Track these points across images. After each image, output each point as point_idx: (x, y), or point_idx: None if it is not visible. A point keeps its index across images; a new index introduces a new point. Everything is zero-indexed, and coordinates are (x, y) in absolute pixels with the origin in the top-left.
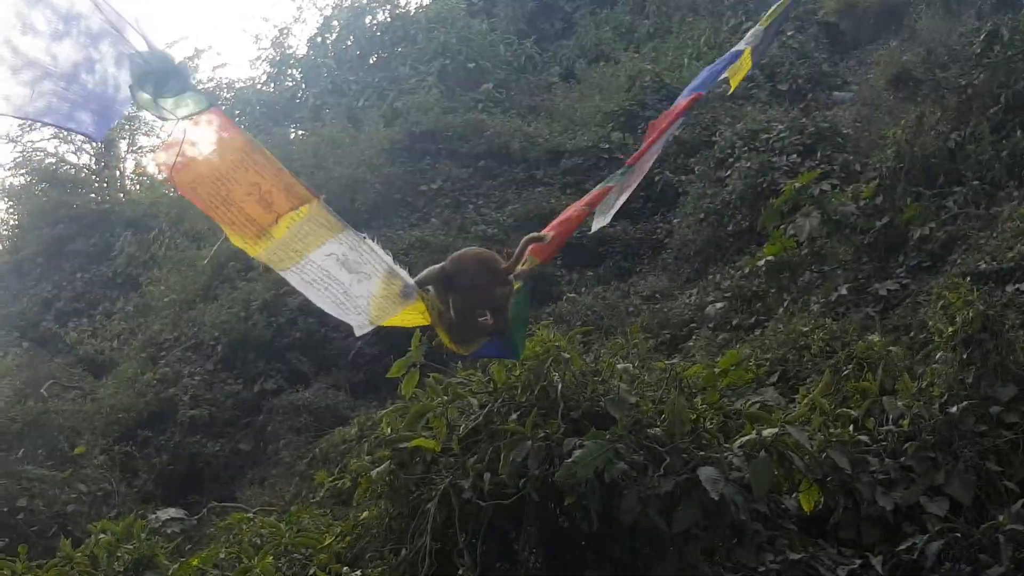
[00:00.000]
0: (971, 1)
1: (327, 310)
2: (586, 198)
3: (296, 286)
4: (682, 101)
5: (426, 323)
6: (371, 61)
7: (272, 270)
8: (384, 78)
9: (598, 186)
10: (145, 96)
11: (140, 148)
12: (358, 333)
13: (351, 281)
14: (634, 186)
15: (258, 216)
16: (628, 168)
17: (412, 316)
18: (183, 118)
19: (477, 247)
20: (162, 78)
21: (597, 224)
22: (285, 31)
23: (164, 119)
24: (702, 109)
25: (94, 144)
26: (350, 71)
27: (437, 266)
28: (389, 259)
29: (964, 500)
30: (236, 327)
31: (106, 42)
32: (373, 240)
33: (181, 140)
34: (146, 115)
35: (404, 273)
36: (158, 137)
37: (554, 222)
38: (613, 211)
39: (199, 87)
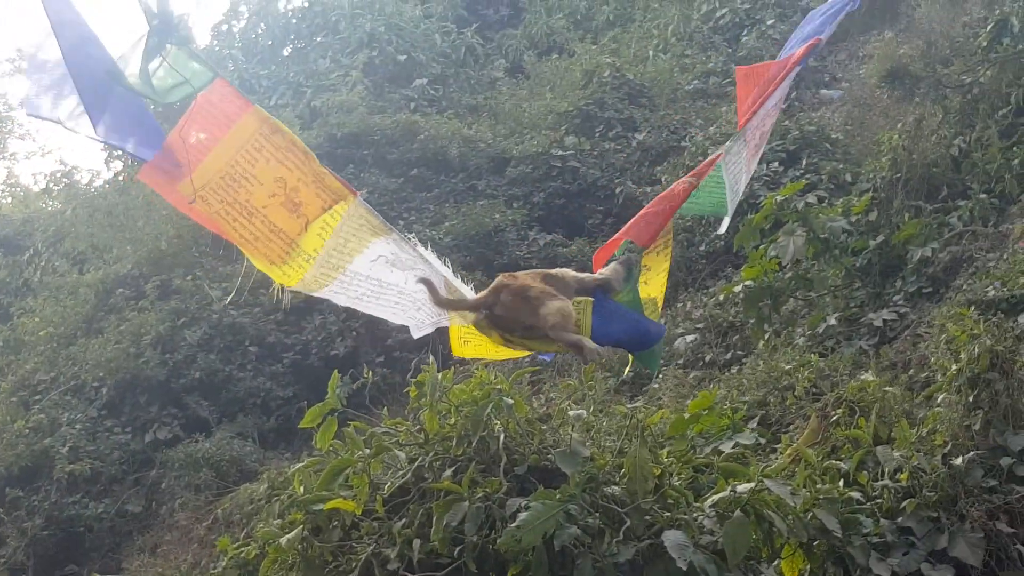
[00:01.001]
0: None
1: (382, 316)
2: (693, 171)
3: (341, 303)
4: (798, 49)
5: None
6: (285, 53)
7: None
8: (300, 72)
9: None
10: (133, 69)
11: (12, 154)
12: (417, 335)
13: (405, 279)
14: (755, 161)
15: (285, 224)
16: (738, 134)
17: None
18: (187, 96)
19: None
20: (163, 29)
21: (725, 224)
22: (184, 17)
23: (161, 99)
24: (669, 109)
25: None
26: (261, 64)
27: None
28: (447, 270)
29: (973, 564)
30: (124, 366)
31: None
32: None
33: (178, 129)
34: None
35: (462, 286)
36: (34, 141)
37: (654, 201)
38: (735, 201)
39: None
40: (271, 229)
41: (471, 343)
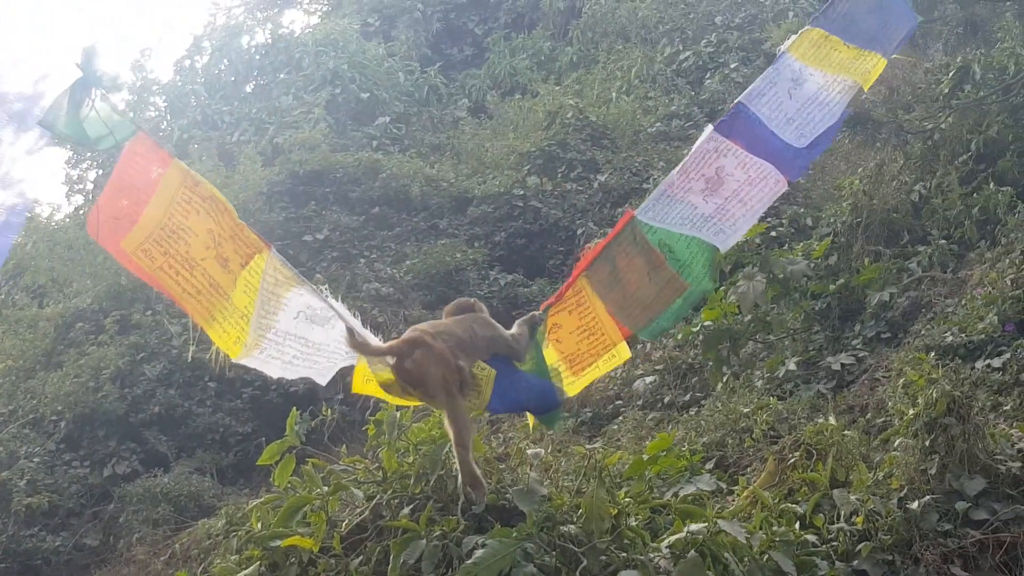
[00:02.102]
0: (937, 33)
1: (299, 376)
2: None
3: (275, 373)
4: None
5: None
6: (248, 89)
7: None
8: (263, 109)
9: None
10: (62, 117)
11: None
12: (323, 381)
13: (325, 334)
14: (711, 199)
15: (220, 279)
16: (655, 192)
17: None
18: (111, 147)
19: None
20: (86, 86)
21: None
22: (147, 52)
23: (90, 146)
24: (632, 151)
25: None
26: (223, 100)
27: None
28: (356, 321)
29: None
30: (83, 399)
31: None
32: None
33: (107, 185)
34: None
35: (370, 336)
36: None
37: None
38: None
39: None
40: (210, 283)
41: (373, 382)
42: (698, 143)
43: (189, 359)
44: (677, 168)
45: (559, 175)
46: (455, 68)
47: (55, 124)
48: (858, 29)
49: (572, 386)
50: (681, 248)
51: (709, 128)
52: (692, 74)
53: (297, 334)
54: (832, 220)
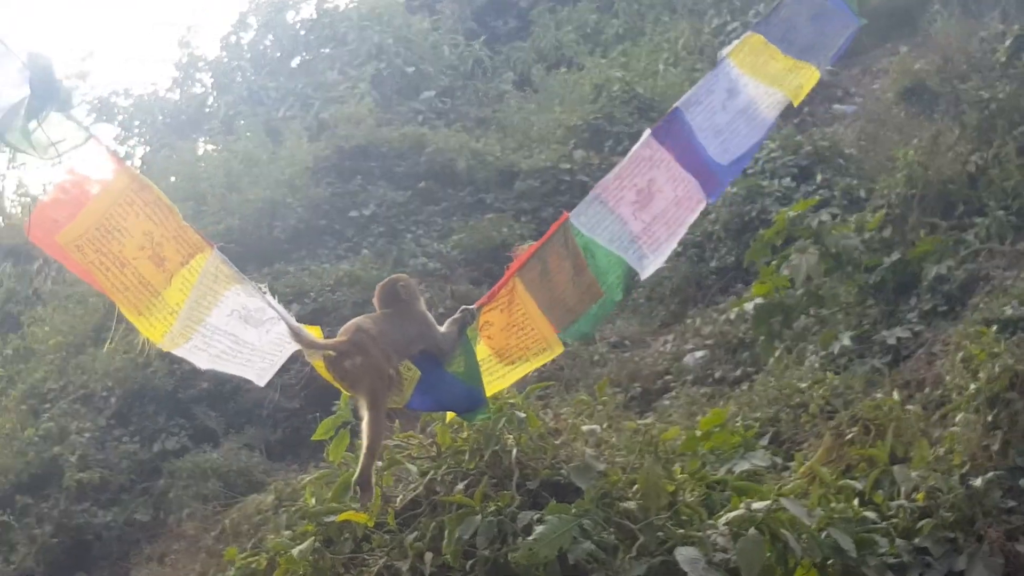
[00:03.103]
0: (994, 1)
1: (238, 373)
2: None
3: (203, 364)
4: None
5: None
6: (293, 64)
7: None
8: (308, 84)
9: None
10: (16, 125)
11: (22, 164)
12: (261, 382)
13: (258, 336)
14: (644, 212)
15: (152, 277)
16: (588, 197)
17: None
18: (62, 154)
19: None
20: (44, 93)
21: (644, 271)
22: (193, 28)
23: (36, 155)
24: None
25: None
26: (269, 76)
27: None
28: (292, 319)
29: None
30: (133, 375)
31: None
32: (269, 291)
33: (56, 185)
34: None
35: (306, 333)
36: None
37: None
38: (638, 253)
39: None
40: (140, 280)
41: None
42: (636, 147)
43: (105, 350)
44: (613, 171)
45: (606, 148)
46: (500, 41)
47: (8, 136)
48: (796, 36)
49: (503, 379)
50: (601, 256)
51: (647, 133)
52: None
53: (228, 331)
54: (886, 192)
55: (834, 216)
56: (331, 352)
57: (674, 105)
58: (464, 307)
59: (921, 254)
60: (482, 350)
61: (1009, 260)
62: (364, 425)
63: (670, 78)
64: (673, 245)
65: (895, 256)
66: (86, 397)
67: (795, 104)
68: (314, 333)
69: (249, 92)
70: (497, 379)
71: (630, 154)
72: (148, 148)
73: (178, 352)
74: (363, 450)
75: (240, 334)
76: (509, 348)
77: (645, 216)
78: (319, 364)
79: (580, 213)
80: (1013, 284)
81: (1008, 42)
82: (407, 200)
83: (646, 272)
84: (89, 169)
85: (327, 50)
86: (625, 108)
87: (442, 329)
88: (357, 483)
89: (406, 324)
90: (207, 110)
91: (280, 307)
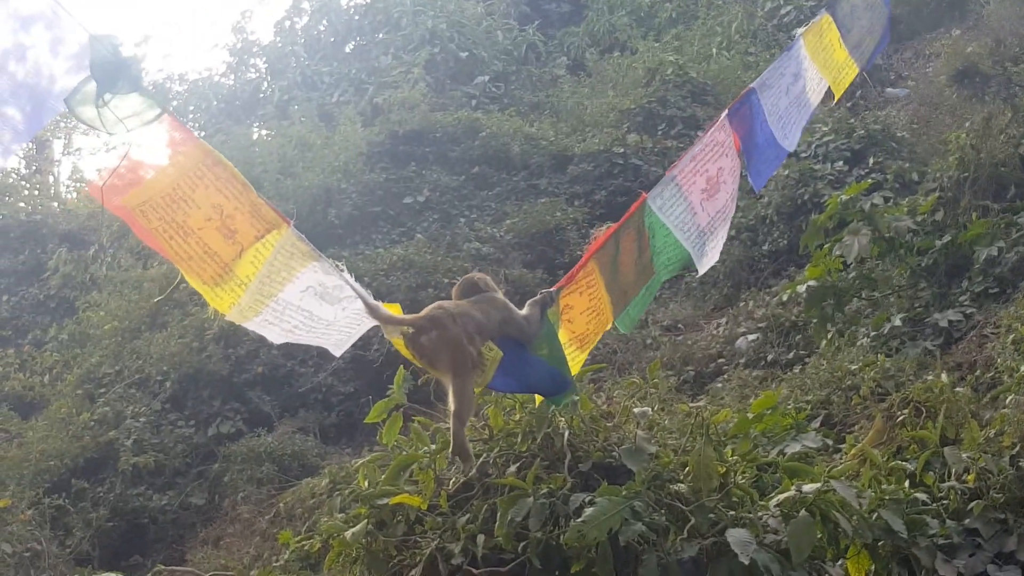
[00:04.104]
0: None
1: (305, 343)
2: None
3: (275, 338)
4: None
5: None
6: (347, 49)
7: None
8: (362, 69)
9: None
10: (85, 102)
11: (78, 150)
12: (337, 352)
13: (334, 313)
14: (712, 203)
15: (220, 248)
16: (666, 179)
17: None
18: (132, 129)
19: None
20: (111, 71)
21: (701, 267)
22: (247, 14)
23: (106, 131)
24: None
25: (23, 144)
26: (323, 61)
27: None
28: (369, 296)
29: None
30: (188, 360)
31: (40, 25)
32: (346, 270)
33: (124, 154)
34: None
35: (383, 309)
36: (98, 137)
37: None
38: (699, 245)
39: (147, 83)
40: (205, 251)
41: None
42: (712, 129)
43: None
44: (689, 153)
45: (659, 132)
46: (553, 26)
47: (78, 110)
48: (854, 24)
49: (577, 364)
50: (660, 236)
51: (724, 114)
52: (793, 28)
53: (302, 306)
54: (938, 175)
55: (886, 199)
56: (408, 328)
57: (749, 86)
58: (544, 290)
59: (973, 237)
60: (563, 335)
61: None
62: (450, 395)
63: (723, 62)
64: (724, 238)
65: (947, 239)
66: (141, 381)
67: (836, 98)
68: (392, 310)
69: (303, 77)
70: (575, 364)
71: (706, 136)
72: (202, 133)
73: (248, 326)
74: (451, 419)
75: (315, 310)
76: (587, 334)
77: (710, 208)
78: (398, 342)
79: (657, 195)
80: None
81: None
82: (460, 185)
83: (703, 268)
84: (160, 142)
85: (381, 35)
86: (678, 92)
87: (523, 312)
88: (453, 453)
89: (487, 309)
90: (261, 95)
91: (357, 284)
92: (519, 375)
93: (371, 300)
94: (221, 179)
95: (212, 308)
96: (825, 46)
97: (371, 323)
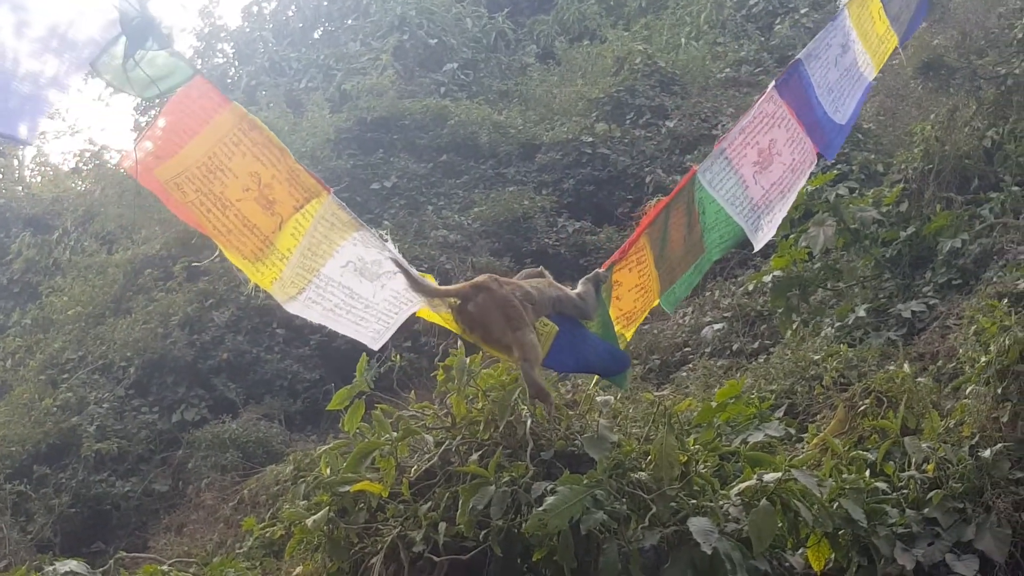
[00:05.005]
0: None
1: (349, 333)
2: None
3: (315, 318)
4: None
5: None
6: (316, 35)
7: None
8: (331, 55)
9: None
10: (112, 64)
11: (42, 134)
12: (375, 346)
13: (373, 291)
14: (765, 175)
15: (259, 221)
16: (714, 152)
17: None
18: (165, 91)
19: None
20: (141, 29)
21: (758, 242)
22: (161, 19)
23: (136, 93)
24: (701, 98)
25: None
26: (291, 47)
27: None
28: (413, 269)
29: (997, 558)
30: (152, 346)
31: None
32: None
33: (153, 123)
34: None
35: (426, 281)
36: (63, 120)
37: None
38: (753, 218)
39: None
40: (244, 224)
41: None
42: (760, 101)
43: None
44: (737, 126)
45: (627, 121)
46: (523, 14)
47: (106, 72)
48: None
49: (622, 342)
50: (711, 212)
51: (771, 86)
52: (762, 19)
53: (342, 283)
54: (903, 167)
55: (852, 190)
56: (454, 299)
57: (796, 57)
58: (596, 270)
59: (937, 228)
60: (611, 312)
61: (1023, 234)
62: (514, 348)
63: (692, 52)
64: (784, 213)
65: (911, 230)
66: (105, 367)
67: (874, 74)
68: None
69: (271, 63)
70: (620, 342)
71: (754, 108)
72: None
73: (292, 308)
74: (521, 365)
75: (355, 287)
76: (634, 311)
77: (764, 181)
78: (445, 319)
79: (706, 168)
80: None
81: None
82: (428, 172)
83: (760, 243)
84: (193, 106)
85: (349, 21)
86: (647, 81)
87: (577, 289)
88: (532, 397)
89: (539, 285)
90: (228, 81)
91: (400, 257)
92: (576, 353)
93: (414, 272)
94: (258, 144)
95: (252, 283)
96: (868, 16)
97: (410, 310)
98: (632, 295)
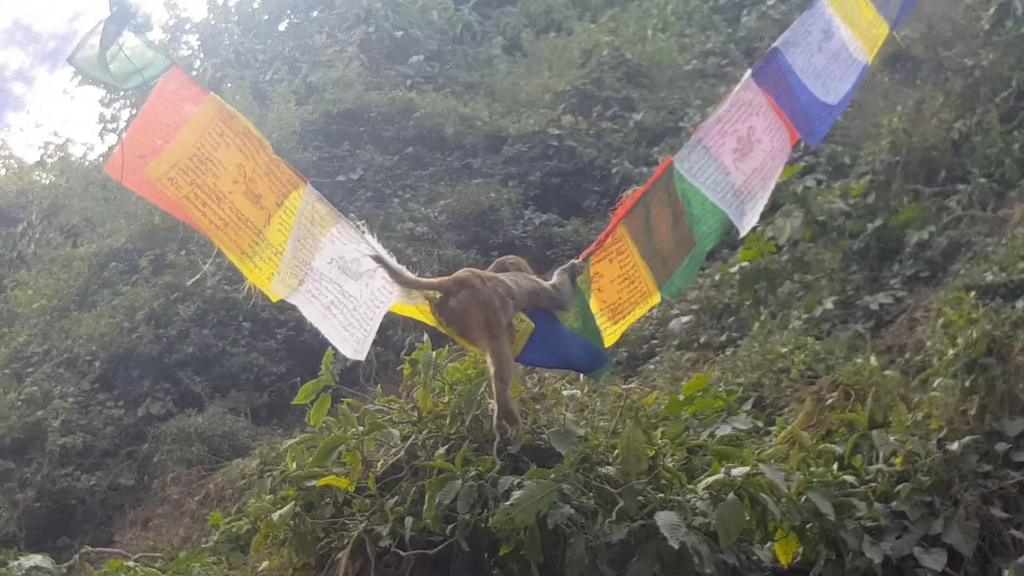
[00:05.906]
0: None
1: (331, 338)
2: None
3: (312, 317)
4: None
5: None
6: (281, 28)
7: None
8: (296, 48)
9: None
10: (90, 56)
11: (7, 126)
12: (358, 357)
13: (359, 289)
14: (744, 162)
15: (250, 214)
16: (691, 142)
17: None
18: (147, 80)
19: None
20: (122, 15)
21: (743, 228)
22: (141, 7)
23: (116, 83)
24: (668, 90)
25: None
26: (256, 39)
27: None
28: (393, 260)
29: (965, 551)
30: (118, 340)
31: None
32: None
33: (132, 121)
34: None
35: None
36: (28, 113)
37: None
38: (736, 204)
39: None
40: (239, 217)
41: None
42: (736, 89)
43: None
44: (714, 115)
45: (594, 114)
46: (489, 5)
47: (83, 63)
48: None
49: (611, 335)
50: (696, 203)
51: (748, 74)
52: (729, 11)
53: (332, 279)
54: (871, 158)
55: (819, 182)
56: (435, 293)
57: (772, 45)
58: (572, 261)
59: (904, 220)
60: (593, 304)
61: (991, 226)
62: (488, 358)
63: (658, 43)
64: (766, 200)
65: (878, 222)
66: (70, 361)
67: (869, 60)
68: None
69: (236, 55)
70: (608, 335)
71: (731, 97)
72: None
73: (291, 299)
74: (493, 381)
75: (343, 285)
76: (621, 303)
77: (745, 168)
78: (421, 311)
79: (684, 158)
80: (994, 250)
81: (992, 10)
82: (395, 165)
83: (745, 229)
84: (172, 98)
85: (315, 13)
86: (613, 73)
87: (552, 280)
88: (499, 416)
89: (517, 278)
90: (194, 73)
91: (380, 248)
92: (552, 348)
93: (394, 263)
94: (239, 135)
95: (249, 284)
96: (852, 2)
97: (384, 310)
98: (616, 286)
